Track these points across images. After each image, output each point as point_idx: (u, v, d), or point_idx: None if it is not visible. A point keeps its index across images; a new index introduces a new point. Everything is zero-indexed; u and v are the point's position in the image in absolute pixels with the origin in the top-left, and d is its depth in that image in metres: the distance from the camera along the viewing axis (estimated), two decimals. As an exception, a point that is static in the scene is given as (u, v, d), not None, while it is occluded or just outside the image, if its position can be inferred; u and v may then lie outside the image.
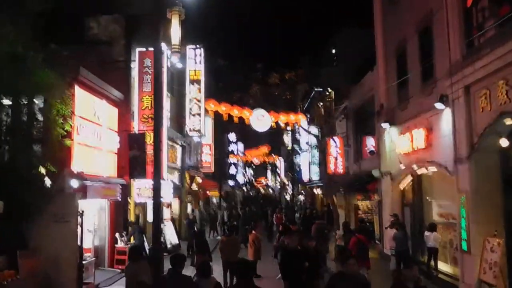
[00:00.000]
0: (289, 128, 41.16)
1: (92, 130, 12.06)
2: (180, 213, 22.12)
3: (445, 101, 10.27)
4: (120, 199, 13.57)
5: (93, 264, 11.33)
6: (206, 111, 23.37)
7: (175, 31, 13.63)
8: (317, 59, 22.63)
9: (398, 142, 13.43)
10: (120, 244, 13.61)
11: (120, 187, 13.34)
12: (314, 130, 30.72)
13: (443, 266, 11.59)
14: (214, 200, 36.72)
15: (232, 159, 43.65)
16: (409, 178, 13.82)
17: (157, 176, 9.67)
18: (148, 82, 14.49)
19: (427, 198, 12.98)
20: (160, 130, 10.03)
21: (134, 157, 10.56)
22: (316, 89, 24.49)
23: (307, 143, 34.39)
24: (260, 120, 12.24)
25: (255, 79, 14.49)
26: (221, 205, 30.68)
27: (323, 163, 28.92)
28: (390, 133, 14.57)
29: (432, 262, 11.46)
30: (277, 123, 12.93)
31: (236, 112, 11.70)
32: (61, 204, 9.96)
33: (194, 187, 26.12)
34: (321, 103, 25.53)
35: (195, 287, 5.95)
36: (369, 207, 19.52)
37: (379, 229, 15.77)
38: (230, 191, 44.11)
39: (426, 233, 11.43)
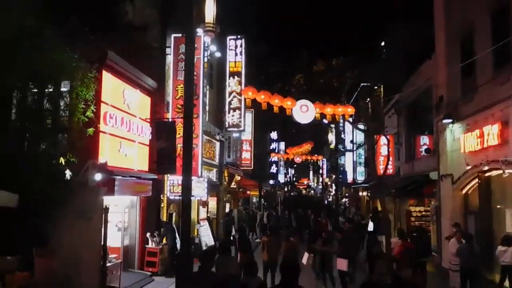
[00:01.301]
0: (333, 125, 39.39)
1: (122, 120, 11.11)
2: (218, 212, 21.06)
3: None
4: (151, 196, 12.62)
5: (120, 266, 10.38)
6: (246, 105, 22.35)
7: (209, 8, 12.53)
8: (364, 54, 21.06)
9: (462, 140, 11.71)
10: (151, 245, 12.64)
11: (151, 182, 12.36)
12: (361, 127, 29.06)
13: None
14: (254, 200, 35.60)
15: (273, 158, 42.39)
16: (474, 181, 12.06)
17: (187, 172, 8.55)
18: (183, 70, 13.37)
19: (498, 205, 11.20)
20: (191, 119, 8.92)
21: (161, 149, 9.46)
22: (363, 84, 22.84)
23: (351, 141, 32.63)
24: (304, 111, 10.83)
25: (299, 68, 13.20)
26: (261, 205, 29.45)
27: (370, 163, 27.19)
28: (452, 129, 12.84)
29: (507, 283, 9.70)
30: (322, 115, 11.46)
31: (276, 101, 10.35)
32: (83, 199, 9.07)
33: (233, 185, 25.07)
34: (368, 99, 23.83)
35: (215, 282, 5.71)
36: (423, 213, 17.69)
37: (437, 239, 14.02)
38: (270, 191, 42.85)
39: (501, 247, 9.67)
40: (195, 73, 13.66)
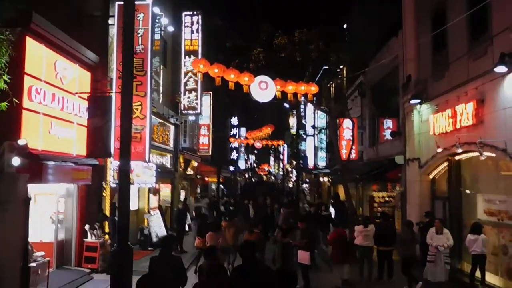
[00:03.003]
0: (294, 110, 38.50)
1: (53, 96, 9.57)
2: (173, 200, 19.74)
3: (507, 62, 7.72)
4: (91, 184, 11.16)
5: (47, 265, 8.94)
6: (203, 87, 20.97)
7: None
8: (329, 27, 20.06)
9: (432, 121, 10.90)
10: (90, 238, 11.22)
11: (91, 169, 10.90)
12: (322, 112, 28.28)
13: (492, 279, 9.16)
14: (214, 187, 34.37)
15: (233, 144, 41.22)
16: (443, 165, 11.34)
17: (124, 155, 7.29)
18: (129, 42, 11.92)
19: (468, 190, 10.51)
20: (129, 93, 7.59)
21: (95, 128, 8.09)
22: (324, 67, 21.93)
23: (313, 126, 31.88)
24: (263, 88, 9.66)
25: (258, 42, 12.04)
26: (219, 192, 28.24)
27: (332, 148, 26.52)
28: (420, 110, 12.05)
29: (478, 273, 9.01)
30: (283, 94, 10.34)
31: (232, 76, 9.12)
32: (-3, 188, 7.58)
33: (190, 171, 23.74)
34: (331, 82, 22.94)
35: (181, 265, 6.24)
36: (386, 199, 17.07)
37: (402, 226, 13.29)
38: (230, 177, 41.74)
39: (470, 236, 8.96)
40: (142, 45, 12.29)
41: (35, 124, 9.02)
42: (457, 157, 10.48)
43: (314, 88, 11.18)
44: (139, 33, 12.06)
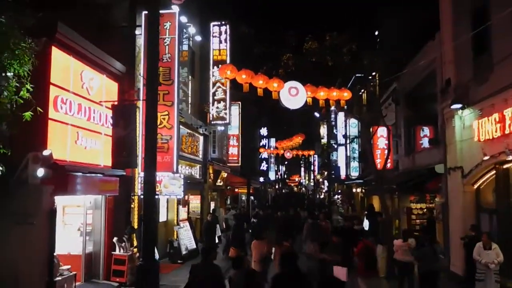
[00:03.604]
0: (325, 119, 37.77)
1: (79, 106, 9.40)
2: (202, 212, 19.42)
3: None
4: (119, 195, 10.93)
5: (73, 280, 8.70)
6: (231, 97, 20.70)
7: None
8: (362, 30, 19.44)
9: (476, 127, 10.16)
10: (118, 251, 10.95)
11: (118, 180, 10.66)
12: (354, 120, 27.51)
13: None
14: (244, 198, 33.95)
15: (263, 155, 40.81)
16: (489, 174, 10.55)
17: (150, 166, 6.96)
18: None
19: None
20: (154, 101, 7.29)
21: (119, 138, 7.81)
22: (356, 75, 21.29)
23: (344, 136, 31.12)
24: (293, 94, 9.21)
25: (287, 47, 11.63)
26: (249, 204, 27.79)
27: (365, 157, 25.67)
28: (462, 116, 11.30)
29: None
30: (314, 100, 9.85)
31: (261, 82, 8.72)
32: (22, 200, 7.39)
33: (219, 182, 23.43)
34: (363, 90, 22.25)
35: (221, 276, 6.35)
36: (424, 211, 16.21)
37: (443, 239, 12.50)
38: (260, 188, 41.26)
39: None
40: (169, 54, 12.09)
41: (62, 135, 8.85)
42: (505, 165, 9.69)
43: (347, 94, 10.65)
44: (165, 42, 11.88)
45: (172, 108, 11.59)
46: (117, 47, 11.44)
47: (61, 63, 8.88)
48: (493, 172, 10.27)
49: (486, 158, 9.73)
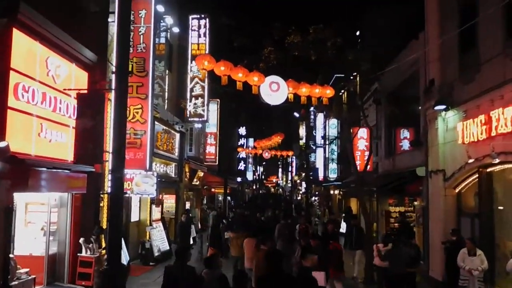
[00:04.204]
0: (303, 121, 37.39)
1: (43, 95, 8.70)
2: (177, 212, 18.79)
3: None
4: (87, 193, 10.25)
5: (32, 284, 8.02)
6: (210, 94, 20.13)
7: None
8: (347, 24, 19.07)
9: (460, 129, 9.88)
10: (85, 253, 10.26)
11: (86, 176, 9.97)
12: (333, 121, 27.29)
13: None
14: (220, 198, 33.38)
15: (241, 154, 40.32)
16: (471, 178, 10.29)
17: (118, 162, 6.37)
18: (132, 41, 11.12)
19: (501, 206, 9.44)
20: (125, 90, 6.70)
21: (84, 130, 7.18)
22: (336, 75, 20.98)
23: (323, 137, 30.89)
24: (274, 89, 8.74)
25: (269, 41, 11.13)
26: (225, 204, 27.19)
27: (344, 159, 25.44)
28: (445, 117, 11.04)
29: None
30: (295, 97, 9.41)
31: (240, 75, 8.21)
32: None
33: (196, 182, 22.81)
34: (342, 91, 21.98)
35: (196, 277, 6.22)
36: (404, 214, 15.97)
37: (423, 243, 12.23)
38: (237, 189, 40.74)
39: (513, 260, 7.88)
40: (144, 44, 11.47)
41: (23, 126, 8.16)
42: (489, 169, 9.44)
43: (329, 92, 10.24)
44: (140, 31, 11.28)
45: (146, 102, 10.97)
46: (89, 35, 10.73)
47: (24, 47, 8.19)
48: (476, 176, 10.01)
49: (471, 161, 9.45)
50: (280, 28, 11.00)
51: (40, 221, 10.10)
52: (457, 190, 11.01)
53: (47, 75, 8.95)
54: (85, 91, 8.10)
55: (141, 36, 11.30)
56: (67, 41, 9.65)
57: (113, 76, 10.98)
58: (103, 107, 7.12)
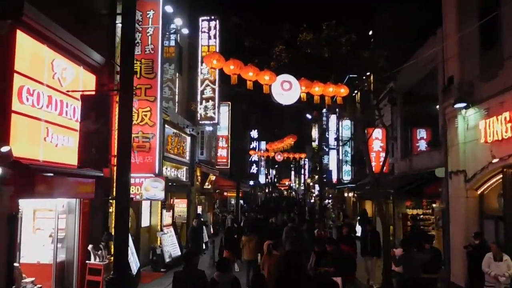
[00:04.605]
0: (316, 123, 36.88)
1: (49, 99, 8.46)
2: (189, 216, 18.50)
3: None
4: (95, 198, 9.99)
5: (38, 293, 7.77)
6: (221, 96, 19.83)
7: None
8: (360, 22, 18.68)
9: (483, 127, 9.42)
10: (94, 260, 10.01)
11: (95, 181, 9.72)
12: (347, 122, 26.82)
13: None
14: (233, 202, 33.08)
15: (253, 157, 39.96)
16: (495, 179, 9.81)
17: (123, 165, 6.08)
18: (138, 42, 10.91)
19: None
20: (130, 90, 6.41)
21: (87, 133, 6.90)
22: (350, 75, 20.53)
23: (336, 139, 30.39)
24: (286, 89, 8.39)
25: (280, 40, 10.79)
26: (238, 208, 26.85)
27: (358, 160, 24.95)
28: (466, 116, 10.58)
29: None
30: (308, 96, 9.04)
31: (250, 74, 7.87)
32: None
33: (207, 185, 22.52)
34: (356, 91, 21.52)
35: (205, 281, 6.14)
36: (421, 217, 15.47)
37: (443, 248, 11.74)
38: (249, 192, 40.38)
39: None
40: (152, 45, 11.22)
41: (29, 130, 7.92)
42: (514, 169, 8.97)
43: (343, 90, 9.86)
44: (148, 32, 11.02)
45: (155, 104, 10.71)
46: (96, 37, 10.54)
47: (29, 50, 7.95)
48: (500, 176, 9.52)
49: (495, 160, 8.98)
50: (290, 28, 10.64)
51: (48, 228, 9.85)
52: (479, 192, 10.52)
53: (53, 78, 8.72)
54: (90, 93, 7.79)
55: (149, 37, 11.05)
56: (73, 43, 9.41)
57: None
58: (109, 109, 6.81)
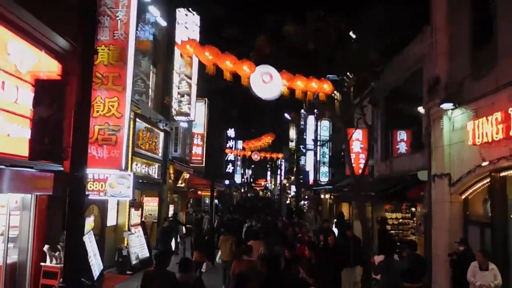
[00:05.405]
0: (301, 112, 36.29)
1: (2, 84, 7.58)
2: (160, 216, 17.66)
3: None
4: (53, 195, 9.10)
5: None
6: (197, 92, 19.08)
7: None
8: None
9: (471, 128, 8.94)
10: (49, 262, 9.12)
11: (53, 176, 8.84)
12: (325, 123, 26.41)
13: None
14: (207, 201, 32.25)
15: (229, 156, 39.18)
16: (481, 183, 9.37)
17: (78, 158, 5.30)
18: (106, 27, 10.05)
19: (515, 214, 8.53)
20: (89, 67, 5.63)
21: (40, 121, 6.07)
22: (329, 76, 20.05)
23: (314, 140, 29.94)
24: (266, 81, 7.72)
25: (262, 32, 10.11)
26: (212, 208, 26.00)
27: (336, 162, 24.53)
28: (452, 117, 10.12)
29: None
30: (290, 91, 8.40)
31: (228, 63, 7.16)
32: None
33: (181, 184, 21.69)
34: (336, 92, 21.08)
35: (176, 283, 5.97)
36: (400, 221, 15.06)
37: (425, 255, 11.26)
38: (225, 192, 39.60)
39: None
40: (123, 32, 10.37)
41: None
42: (502, 173, 8.52)
43: (327, 86, 9.27)
44: (118, 17, 10.16)
45: (123, 94, 9.87)
46: (62, 20, 9.65)
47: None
48: (487, 180, 9.08)
49: (485, 163, 8.51)
50: (275, 19, 9.95)
51: (0, 225, 8.94)
52: (463, 196, 10.07)
53: (8, 61, 7.81)
54: (42, 76, 6.94)
55: (119, 22, 10.19)
56: (32, 23, 8.48)
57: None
58: (62, 94, 5.97)
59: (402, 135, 15.62)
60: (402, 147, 15.30)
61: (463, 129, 9.44)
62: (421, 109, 12.65)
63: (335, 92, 21.54)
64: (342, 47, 10.34)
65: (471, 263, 8.00)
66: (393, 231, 14.88)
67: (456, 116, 9.96)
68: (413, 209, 14.36)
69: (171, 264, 6.48)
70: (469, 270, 7.91)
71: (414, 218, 14.05)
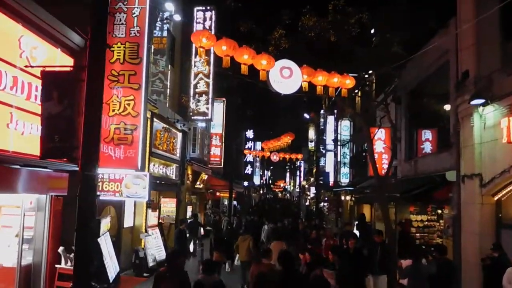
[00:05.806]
0: (321, 113, 35.82)
1: (14, 80, 7.38)
2: (177, 217, 17.42)
3: None
4: (68, 195, 8.89)
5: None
6: (215, 91, 18.81)
7: None
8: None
9: (505, 125, 8.37)
10: (64, 264, 8.92)
11: (68, 176, 8.64)
12: (346, 123, 25.82)
13: None
14: (226, 202, 32.01)
15: (248, 158, 38.91)
16: (516, 183, 8.81)
17: (89, 157, 5.02)
18: (122, 24, 9.82)
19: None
20: (101, 62, 5.35)
21: (49, 117, 5.81)
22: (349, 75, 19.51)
23: (334, 140, 29.36)
24: (285, 76, 7.34)
25: (280, 26, 9.73)
26: (231, 209, 25.73)
27: (358, 162, 23.96)
28: (483, 114, 9.56)
29: None
30: (310, 86, 7.99)
31: (246, 57, 6.80)
32: None
33: (199, 185, 21.46)
34: (356, 90, 20.52)
35: (188, 283, 5.98)
36: (425, 223, 14.45)
37: (454, 260, 10.69)
38: (243, 193, 39.29)
39: None
40: (137, 27, 10.10)
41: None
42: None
43: (349, 82, 8.83)
44: (134, 13, 9.91)
45: (139, 92, 9.60)
46: (77, 17, 9.45)
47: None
48: (523, 181, 8.52)
49: (521, 163, 7.97)
50: (293, 13, 9.54)
51: (16, 226, 8.78)
52: (496, 198, 9.50)
53: (20, 56, 7.64)
54: (52, 69, 6.69)
55: (135, 18, 9.94)
56: (46, 19, 8.32)
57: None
58: (75, 89, 5.70)
59: (427, 134, 15.04)
60: (427, 147, 14.73)
61: (496, 127, 8.89)
62: (447, 107, 12.11)
63: (356, 90, 21.01)
64: (363, 40, 9.82)
65: (507, 269, 7.47)
66: (418, 234, 14.28)
67: (488, 113, 9.39)
68: (439, 211, 13.77)
69: (190, 266, 6.28)
70: (505, 276, 7.40)
71: (441, 221, 13.47)
